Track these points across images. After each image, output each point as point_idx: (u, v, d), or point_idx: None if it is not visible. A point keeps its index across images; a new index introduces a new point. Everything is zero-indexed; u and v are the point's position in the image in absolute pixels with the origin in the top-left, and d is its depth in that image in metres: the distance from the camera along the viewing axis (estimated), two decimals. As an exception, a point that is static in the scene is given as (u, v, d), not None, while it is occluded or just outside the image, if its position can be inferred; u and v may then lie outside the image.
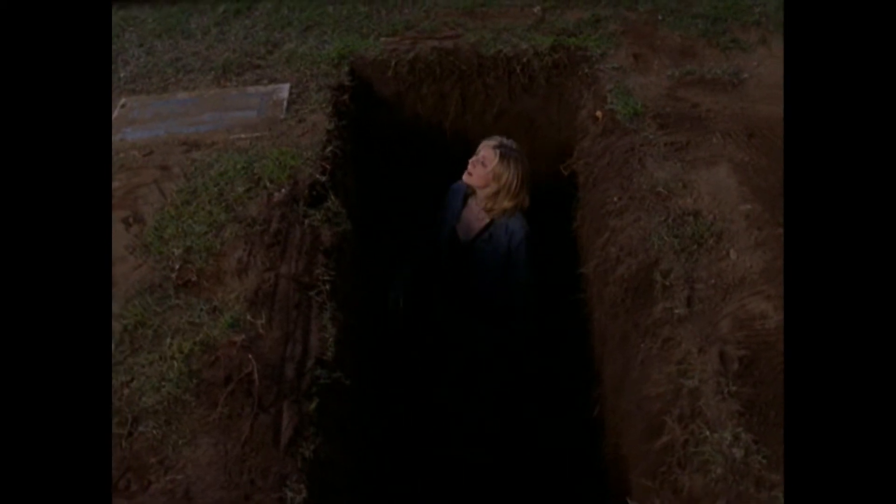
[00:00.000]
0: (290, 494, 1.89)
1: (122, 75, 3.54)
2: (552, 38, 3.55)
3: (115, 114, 3.28)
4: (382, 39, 3.65)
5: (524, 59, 3.51)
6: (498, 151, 3.16)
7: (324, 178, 2.81)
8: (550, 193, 3.68)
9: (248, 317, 2.29)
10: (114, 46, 3.75)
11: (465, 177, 3.24)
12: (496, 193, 3.22)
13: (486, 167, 3.17)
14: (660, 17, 3.73)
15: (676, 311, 2.31)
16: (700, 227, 2.53)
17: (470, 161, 3.22)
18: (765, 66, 3.33)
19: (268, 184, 2.77)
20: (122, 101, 3.37)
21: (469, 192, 3.36)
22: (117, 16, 4.02)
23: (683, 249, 2.48)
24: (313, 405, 2.09)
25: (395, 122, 3.59)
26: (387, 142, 3.62)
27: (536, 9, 3.84)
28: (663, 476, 2.09)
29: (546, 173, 3.71)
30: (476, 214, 3.36)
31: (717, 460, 1.90)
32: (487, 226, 3.34)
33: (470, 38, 3.59)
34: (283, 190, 2.74)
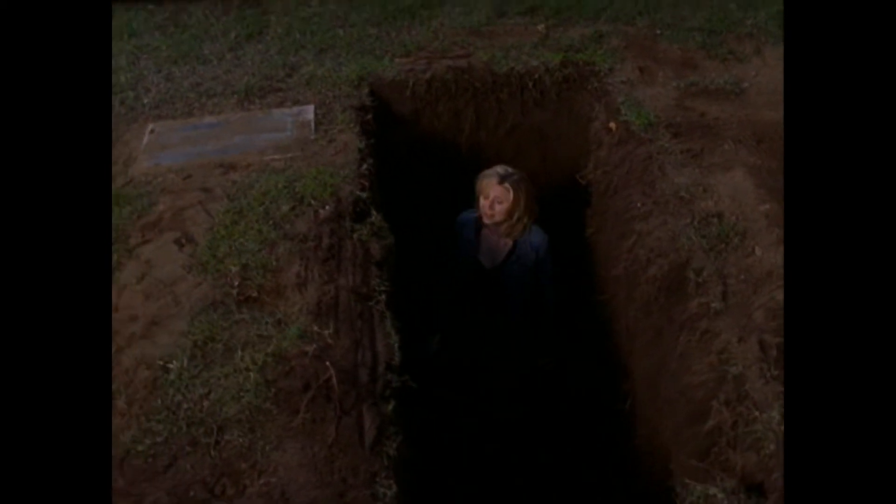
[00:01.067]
0: (381, 490, 2.03)
1: (145, 101, 3.65)
2: (561, 54, 3.75)
3: (145, 140, 3.40)
4: (397, 60, 3.81)
5: (536, 76, 3.71)
6: (506, 185, 3.32)
7: (365, 195, 2.97)
8: (561, 202, 3.88)
9: (315, 328, 2.42)
10: (132, 74, 3.85)
11: (486, 219, 3.37)
12: (517, 220, 3.39)
13: (503, 204, 3.33)
14: (658, 32, 3.96)
15: (713, 305, 2.51)
16: (725, 227, 2.74)
17: (484, 204, 3.36)
18: (762, 75, 3.57)
19: (312, 201, 2.91)
20: (150, 126, 3.48)
21: (481, 222, 3.49)
22: (130, 44, 4.12)
23: (712, 248, 2.68)
24: (391, 407, 2.24)
25: (412, 138, 3.75)
26: (405, 158, 3.77)
27: (540, 27, 4.05)
28: (714, 456, 2.27)
29: (556, 183, 3.91)
30: (497, 241, 3.51)
31: (769, 437, 2.09)
32: (513, 248, 3.50)
33: (482, 57, 3.78)
34: (328, 207, 2.89)
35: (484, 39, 4.00)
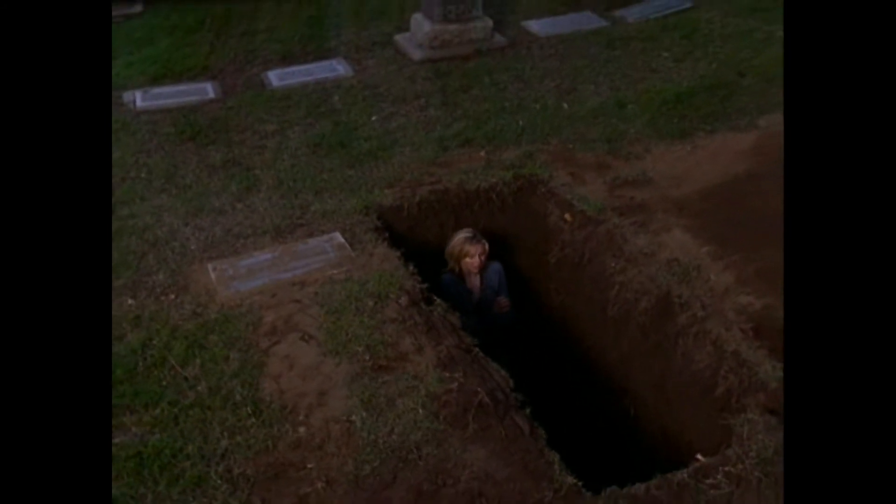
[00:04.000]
0: (550, 457, 3.06)
1: (192, 248, 4.48)
2: (511, 171, 5.08)
3: (212, 276, 4.24)
4: (386, 191, 4.95)
5: (497, 189, 4.99)
6: (482, 240, 4.64)
7: (425, 286, 4.04)
8: (525, 282, 5.13)
9: (447, 374, 3.43)
10: (165, 228, 4.66)
11: (476, 269, 4.60)
12: (485, 260, 4.66)
13: (484, 253, 4.61)
14: (570, 146, 5.42)
15: (698, 314, 3.82)
16: (684, 266, 4.10)
17: (473, 260, 4.60)
18: (657, 166, 5.09)
19: (389, 295, 3.93)
20: (210, 266, 4.32)
21: (461, 276, 4.71)
22: (145, 205, 4.92)
23: (681, 281, 4.02)
24: (528, 411, 3.29)
25: (410, 248, 4.84)
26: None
27: (482, 153, 5.38)
28: (732, 407, 3.51)
29: (520, 268, 5.16)
30: (475, 282, 4.73)
31: (770, 377, 3.37)
32: (482, 281, 4.72)
33: (453, 180, 5.02)
34: (403, 298, 3.92)
35: (443, 168, 5.24)
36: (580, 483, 2.98)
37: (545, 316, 5.05)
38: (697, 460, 3.12)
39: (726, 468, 3.00)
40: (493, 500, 2.90)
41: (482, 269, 4.71)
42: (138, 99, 6.37)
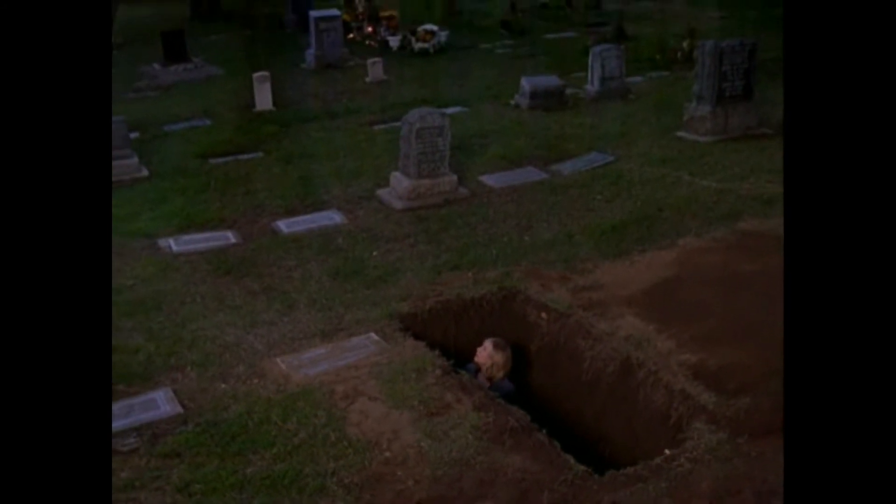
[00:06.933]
0: (567, 457, 4.52)
1: (259, 348, 5.87)
2: (496, 285, 6.73)
3: (283, 366, 5.63)
4: (402, 303, 6.50)
5: (487, 298, 6.61)
6: (494, 342, 6.12)
7: (452, 361, 5.55)
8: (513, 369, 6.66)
9: (482, 413, 4.89)
10: (232, 335, 6.03)
11: (477, 358, 6.09)
12: (492, 367, 6.13)
13: (486, 352, 6.10)
14: (536, 267, 7.11)
15: (652, 369, 5.42)
16: (636, 339, 5.74)
17: (478, 354, 6.10)
18: (605, 276, 6.81)
19: (426, 369, 5.41)
20: (279, 359, 5.72)
21: (477, 369, 6.17)
22: (207, 321, 6.30)
23: (637, 349, 5.65)
24: (544, 431, 4.77)
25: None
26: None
27: (469, 274, 7.01)
28: (684, 426, 5.05)
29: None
30: (483, 382, 6.19)
31: (708, 402, 4.96)
32: (490, 388, 6.18)
33: (453, 293, 6.62)
34: (437, 370, 5.41)
35: (441, 286, 6.84)
36: (590, 469, 4.45)
37: (529, 394, 6.55)
38: (666, 454, 4.63)
39: (686, 454, 4.52)
40: (533, 482, 4.33)
41: (489, 376, 6.12)
42: (172, 245, 7.84)
